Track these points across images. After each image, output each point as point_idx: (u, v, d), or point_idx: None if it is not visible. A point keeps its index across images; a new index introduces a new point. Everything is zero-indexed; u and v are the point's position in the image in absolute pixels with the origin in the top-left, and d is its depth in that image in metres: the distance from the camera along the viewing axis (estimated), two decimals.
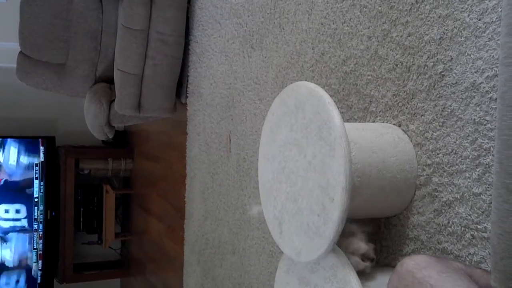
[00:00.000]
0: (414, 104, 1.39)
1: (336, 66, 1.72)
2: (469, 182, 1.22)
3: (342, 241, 1.40)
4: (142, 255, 4.13)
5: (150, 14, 2.82)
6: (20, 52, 3.06)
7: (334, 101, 1.30)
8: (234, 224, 2.46)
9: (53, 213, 4.21)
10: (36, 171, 4.16)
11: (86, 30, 3.07)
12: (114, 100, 3.01)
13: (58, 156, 4.24)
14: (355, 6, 1.63)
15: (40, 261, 4.20)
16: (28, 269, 4.21)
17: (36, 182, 4.17)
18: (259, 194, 1.55)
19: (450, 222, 1.27)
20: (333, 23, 1.74)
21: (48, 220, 4.19)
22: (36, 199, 4.17)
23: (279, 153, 1.44)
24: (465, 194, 1.24)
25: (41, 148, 4.16)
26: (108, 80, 3.14)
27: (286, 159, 1.41)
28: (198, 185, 2.90)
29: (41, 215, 4.18)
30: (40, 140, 4.17)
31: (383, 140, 1.40)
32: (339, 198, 1.22)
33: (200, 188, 2.87)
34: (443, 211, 1.29)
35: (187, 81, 3.03)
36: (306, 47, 1.90)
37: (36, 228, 4.18)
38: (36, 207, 4.18)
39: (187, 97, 3.04)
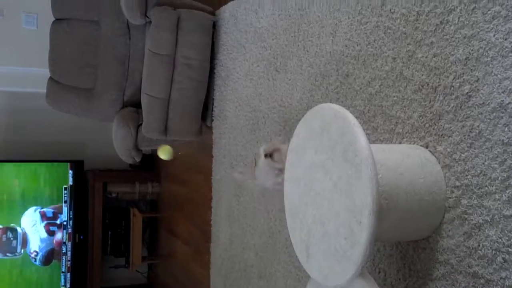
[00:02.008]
0: (441, 125, 1.37)
1: (361, 88, 1.71)
2: (499, 204, 1.20)
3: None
4: (169, 278, 4.13)
5: (176, 39, 2.87)
6: (50, 77, 3.13)
7: (360, 123, 1.29)
8: (260, 248, 2.45)
9: (81, 237, 4.25)
10: (65, 195, 4.22)
11: (114, 56, 3.13)
12: (141, 124, 3.05)
13: (86, 179, 4.29)
14: (379, 27, 1.63)
15: (68, 285, 4.23)
16: None
17: (64, 206, 4.22)
18: (285, 217, 1.54)
19: (481, 245, 1.24)
20: (357, 45, 1.75)
21: (76, 244, 4.23)
22: (64, 223, 4.22)
23: (305, 175, 1.44)
24: (495, 217, 1.21)
25: (70, 172, 4.22)
26: (135, 104, 3.18)
27: (312, 181, 1.40)
28: (224, 208, 2.90)
29: (69, 239, 4.23)
30: (69, 164, 4.24)
31: (410, 162, 1.38)
32: (367, 221, 1.20)
33: (226, 211, 2.87)
34: (473, 234, 1.26)
35: (213, 104, 3.06)
36: (330, 69, 1.90)
37: (65, 251, 4.22)
38: (64, 231, 4.22)
39: (212, 120, 3.06)
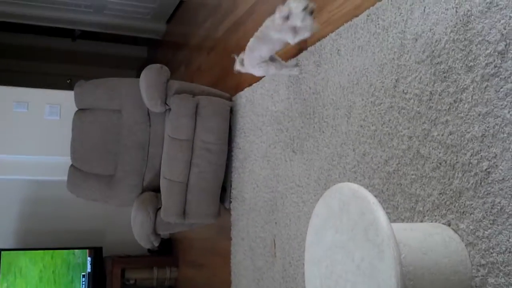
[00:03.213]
0: (462, 202, 1.36)
1: (378, 167, 1.72)
2: None
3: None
4: None
5: (195, 125, 2.94)
6: (71, 165, 3.19)
7: (379, 201, 1.28)
8: None
9: None
10: (83, 282, 4.17)
11: (135, 142, 3.20)
12: (160, 208, 3.06)
13: (104, 266, 4.25)
14: (393, 108, 1.66)
15: None
16: None
17: None
18: None
19: None
20: (372, 125, 1.77)
21: None
22: None
23: (326, 257, 1.41)
24: None
25: (89, 258, 4.20)
26: (154, 189, 3.21)
27: (333, 263, 1.38)
28: None
29: None
30: (87, 250, 4.22)
31: (433, 240, 1.36)
32: None
33: None
34: None
35: (231, 186, 3.07)
36: (347, 149, 1.92)
37: None
38: None
39: (230, 202, 3.06)
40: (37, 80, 5.15)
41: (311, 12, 1.81)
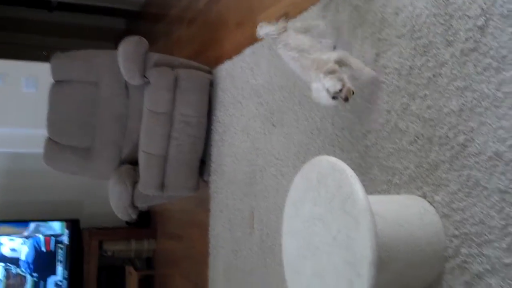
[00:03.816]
0: (438, 175, 1.39)
1: (356, 140, 1.73)
2: (498, 252, 1.19)
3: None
4: None
5: (174, 97, 2.92)
6: (48, 138, 3.15)
7: (357, 175, 1.30)
8: None
9: None
10: (60, 254, 4.16)
11: (112, 115, 3.17)
12: (138, 181, 3.05)
13: (82, 238, 4.25)
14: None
15: None
16: None
17: (59, 265, 4.15)
18: (283, 272, 1.53)
19: None
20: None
21: None
22: (59, 283, 4.14)
23: (303, 228, 1.43)
24: (495, 265, 1.20)
25: (66, 231, 4.18)
26: (132, 161, 3.19)
27: (311, 234, 1.39)
28: (221, 264, 2.86)
29: None
30: (65, 223, 4.20)
31: (409, 213, 1.38)
32: (367, 273, 1.19)
33: (223, 267, 2.82)
34: (474, 283, 1.25)
35: (210, 159, 3.07)
36: (326, 123, 1.93)
37: None
38: None
39: (209, 175, 3.07)
40: (13, 52, 5.04)
41: (345, 99, 1.53)
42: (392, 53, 1.60)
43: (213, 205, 3.01)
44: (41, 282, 4.16)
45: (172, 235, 3.94)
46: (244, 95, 2.67)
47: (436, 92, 1.42)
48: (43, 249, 4.16)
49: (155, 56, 2.98)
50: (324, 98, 1.56)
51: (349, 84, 1.52)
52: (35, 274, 4.14)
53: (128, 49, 2.93)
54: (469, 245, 1.27)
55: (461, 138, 1.32)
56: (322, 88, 1.54)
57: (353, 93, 1.53)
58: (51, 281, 4.16)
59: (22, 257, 4.13)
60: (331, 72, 1.54)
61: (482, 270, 1.23)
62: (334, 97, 1.52)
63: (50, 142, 3.15)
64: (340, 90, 1.51)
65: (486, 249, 1.23)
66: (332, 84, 1.51)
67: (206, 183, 3.11)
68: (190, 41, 3.71)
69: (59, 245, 4.18)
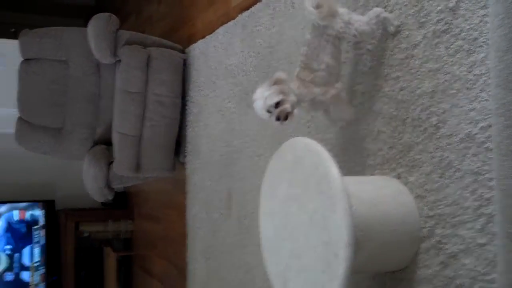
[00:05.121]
0: (412, 156, 1.40)
1: (332, 122, 1.74)
2: (472, 232, 1.22)
3: None
4: None
5: (147, 77, 2.88)
6: (19, 117, 3.09)
7: (331, 156, 1.31)
8: (237, 284, 2.42)
9: (54, 278, 4.14)
10: (36, 236, 4.13)
11: (84, 95, 3.12)
12: (112, 161, 3.02)
13: (58, 219, 4.21)
14: (346, 63, 1.67)
15: None
16: None
17: (36, 246, 4.12)
18: (261, 252, 1.54)
19: (457, 274, 1.26)
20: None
21: (49, 285, 4.12)
22: (36, 264, 4.11)
23: (280, 209, 1.44)
24: (470, 245, 1.23)
25: (41, 212, 4.14)
26: (106, 142, 3.16)
27: (287, 215, 1.41)
28: (199, 245, 2.87)
29: (42, 280, 4.12)
30: (39, 204, 4.16)
31: (383, 193, 1.40)
32: (343, 253, 1.21)
33: (201, 248, 2.84)
34: (449, 263, 1.28)
35: (186, 140, 3.06)
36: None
37: None
38: (36, 272, 4.11)
39: (185, 156, 3.05)
40: None
41: (277, 118, 1.37)
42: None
43: (190, 186, 3.00)
44: (16, 254, 4.12)
45: (150, 216, 3.93)
46: (218, 75, 2.65)
47: (408, 73, 1.43)
48: (17, 218, 4.10)
49: (126, 34, 2.93)
50: (258, 107, 1.40)
51: (288, 104, 1.37)
52: (7, 247, 4.10)
53: (98, 26, 2.87)
54: (443, 226, 1.30)
55: (433, 120, 1.34)
56: (260, 96, 1.38)
57: (286, 117, 1.36)
58: (26, 251, 4.13)
59: None
60: (277, 82, 1.39)
61: (457, 251, 1.26)
62: (268, 111, 1.37)
63: (21, 121, 3.09)
64: (277, 105, 1.35)
65: (461, 230, 1.25)
66: (270, 95, 1.36)
67: (182, 164, 3.10)
68: (161, 19, 3.66)
69: (35, 227, 4.15)
